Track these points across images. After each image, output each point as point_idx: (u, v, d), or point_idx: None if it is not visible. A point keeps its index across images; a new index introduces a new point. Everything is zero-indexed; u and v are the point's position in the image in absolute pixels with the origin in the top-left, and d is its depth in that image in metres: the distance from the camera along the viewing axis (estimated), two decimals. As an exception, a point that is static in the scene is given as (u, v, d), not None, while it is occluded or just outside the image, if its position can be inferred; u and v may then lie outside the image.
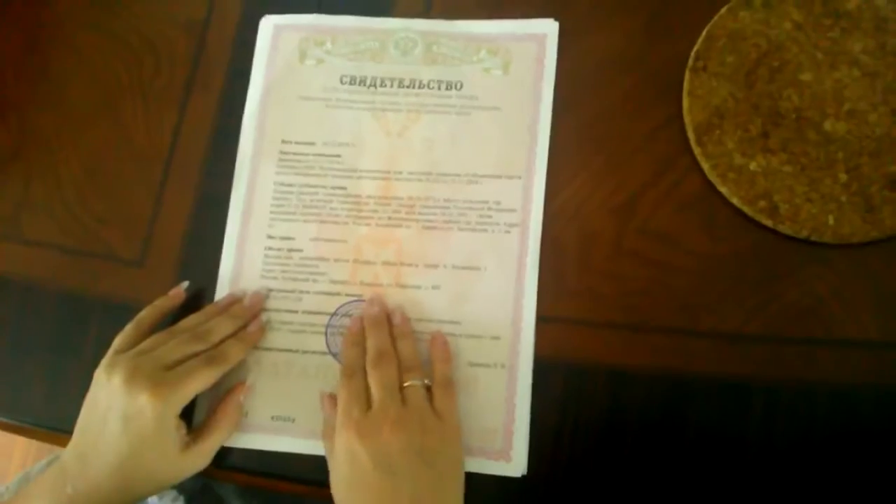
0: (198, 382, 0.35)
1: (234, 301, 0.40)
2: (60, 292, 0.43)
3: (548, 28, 0.43)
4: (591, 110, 0.42)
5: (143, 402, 0.33)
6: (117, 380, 0.34)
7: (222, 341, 0.38)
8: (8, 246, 0.44)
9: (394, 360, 0.36)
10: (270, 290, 0.41)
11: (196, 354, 0.36)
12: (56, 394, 0.42)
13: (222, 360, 0.37)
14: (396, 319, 0.39)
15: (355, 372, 0.36)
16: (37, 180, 0.45)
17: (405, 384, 0.36)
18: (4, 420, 0.42)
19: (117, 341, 0.37)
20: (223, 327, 0.38)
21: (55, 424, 0.41)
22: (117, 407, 0.34)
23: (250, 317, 0.39)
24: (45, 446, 0.42)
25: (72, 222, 0.44)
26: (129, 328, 0.38)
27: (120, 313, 0.40)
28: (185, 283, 0.41)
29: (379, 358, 0.36)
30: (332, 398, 0.37)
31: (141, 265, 0.43)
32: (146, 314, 0.39)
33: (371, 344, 0.37)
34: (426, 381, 0.36)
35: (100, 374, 0.36)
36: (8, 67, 0.48)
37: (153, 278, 0.42)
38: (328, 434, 0.37)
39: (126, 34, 0.47)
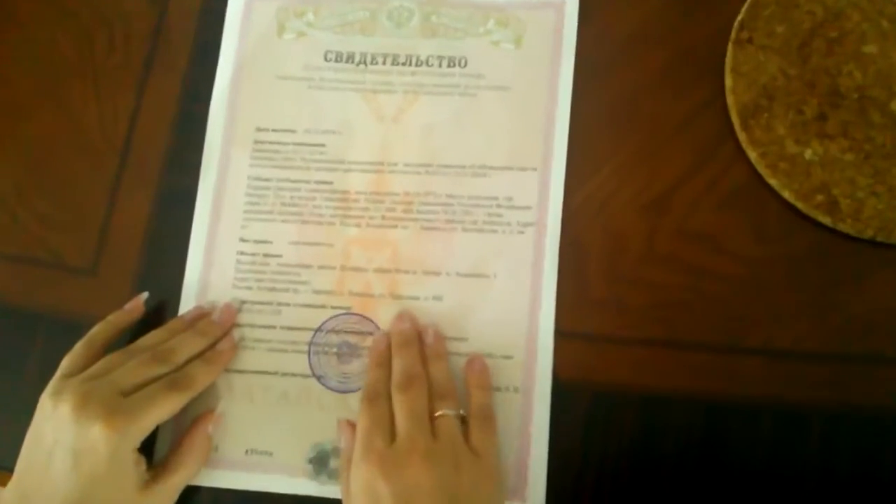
0: (160, 411, 0.33)
1: (201, 315, 0.38)
2: (1, 305, 0.40)
3: None
4: (618, 91, 0.39)
5: (96, 434, 0.31)
6: (66, 408, 0.32)
7: (188, 362, 0.35)
8: (-64, 252, 0.42)
9: (424, 384, 0.34)
10: (244, 302, 0.38)
11: (158, 378, 0.34)
12: None
13: (188, 385, 0.34)
14: (429, 338, 0.36)
15: (379, 396, 0.34)
16: None
17: (437, 414, 0.33)
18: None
19: (65, 363, 0.35)
20: (189, 346, 0.36)
21: None
22: (66, 440, 0.32)
23: (220, 334, 0.37)
24: None
25: (11, 224, 0.41)
26: (78, 347, 0.36)
27: (68, 330, 0.37)
28: (145, 295, 0.38)
29: (407, 382, 0.34)
30: (352, 426, 0.35)
31: (93, 274, 0.40)
32: (99, 331, 0.36)
33: (398, 365, 0.35)
34: (461, 412, 0.34)
35: (45, 402, 0.33)
36: (-60, 46, 0.45)
37: (107, 289, 0.39)
38: (344, 467, 0.35)
39: (75, 5, 0.44)
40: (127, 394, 0.33)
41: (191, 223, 0.39)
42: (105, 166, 0.41)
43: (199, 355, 0.36)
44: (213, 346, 0.37)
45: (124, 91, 0.42)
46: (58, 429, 0.32)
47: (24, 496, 0.32)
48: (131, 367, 0.34)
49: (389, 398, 0.34)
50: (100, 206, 0.41)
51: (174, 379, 0.34)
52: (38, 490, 0.32)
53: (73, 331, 0.36)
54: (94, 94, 0.42)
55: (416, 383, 0.34)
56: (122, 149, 0.41)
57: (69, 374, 0.34)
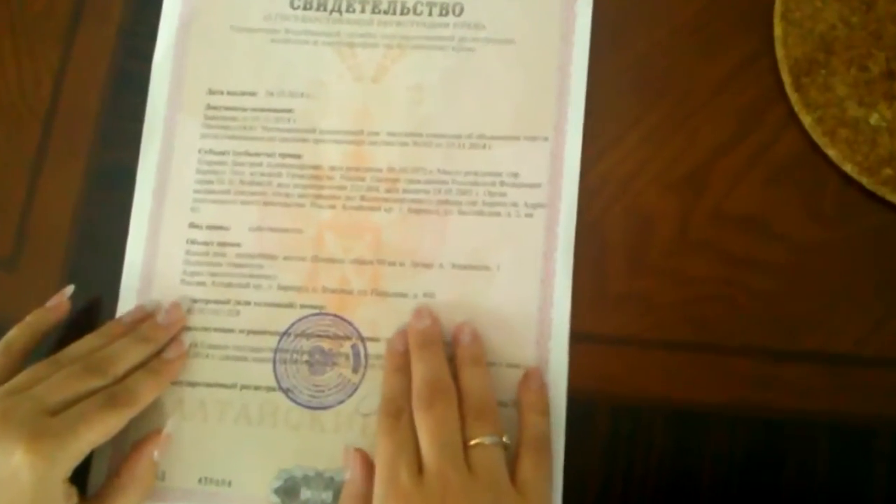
0: (94, 432, 0.31)
1: (143, 317, 0.35)
2: None
3: None
4: (645, 45, 0.37)
5: (18, 461, 0.29)
6: None
7: (128, 374, 0.33)
8: None
9: (453, 398, 0.31)
10: (195, 300, 0.36)
11: (92, 392, 0.32)
12: None
13: (128, 401, 0.32)
14: (465, 337, 0.34)
15: (402, 412, 0.31)
16: None
17: (473, 442, 0.30)
18: None
19: None
20: (129, 354, 0.33)
21: None
22: None
23: (166, 339, 0.35)
24: None
25: None
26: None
27: None
28: (70, 289, 0.36)
29: (431, 395, 0.31)
30: (364, 457, 0.33)
31: (12, 267, 0.37)
32: (16, 335, 0.34)
33: (419, 372, 0.32)
34: (504, 439, 0.31)
35: None
36: None
37: (30, 285, 0.37)
38: None
39: None
40: (55, 412, 0.30)
41: (128, 206, 0.37)
42: (25, 136, 0.38)
43: (142, 365, 0.34)
44: (158, 354, 0.35)
45: (48, 47, 0.39)
46: None
47: None
48: (59, 379, 0.31)
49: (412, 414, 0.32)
50: (19, 186, 0.38)
51: (112, 393, 0.32)
52: None
53: None
54: (12, 50, 0.40)
55: (442, 398, 0.31)
56: (45, 115, 0.39)
57: None
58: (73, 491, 0.30)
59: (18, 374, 0.32)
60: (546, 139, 0.36)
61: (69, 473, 0.30)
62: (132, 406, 0.32)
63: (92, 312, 0.36)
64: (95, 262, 0.36)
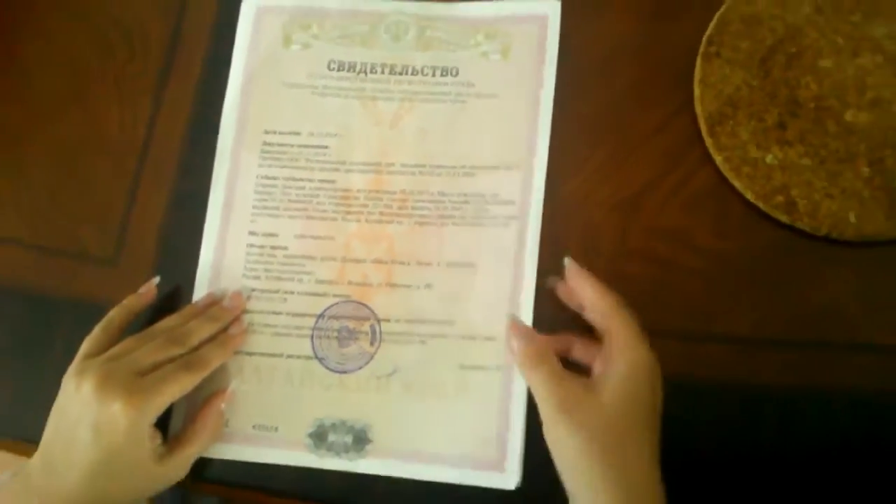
0: (174, 389, 0.34)
1: (213, 302, 0.39)
2: (27, 292, 0.41)
3: (549, 8, 0.42)
4: (596, 99, 0.41)
5: (116, 410, 0.32)
6: (87, 387, 0.33)
7: (201, 345, 0.37)
8: (-30, 243, 0.43)
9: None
10: (253, 290, 0.40)
11: (172, 359, 0.35)
12: (22, 401, 0.40)
13: (201, 366, 0.36)
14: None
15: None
16: (2, 174, 0.44)
17: None
18: (-34, 431, 0.40)
19: (86, 345, 0.36)
20: (202, 330, 0.37)
21: (21, 433, 0.40)
22: (88, 416, 0.33)
23: (230, 319, 0.38)
24: (9, 457, 0.40)
25: (40, 219, 0.43)
26: (97, 331, 0.37)
27: (91, 315, 0.38)
28: (156, 279, 0.40)
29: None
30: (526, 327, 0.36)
31: (114, 264, 0.42)
32: (115, 315, 0.38)
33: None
34: None
35: (68, 382, 0.34)
36: (-28, 55, 0.47)
37: (126, 277, 0.41)
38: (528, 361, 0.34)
39: (98, 18, 0.46)
40: (144, 374, 0.34)
41: (202, 218, 0.41)
42: (125, 166, 0.43)
43: (212, 339, 0.37)
44: (224, 330, 0.38)
45: (143, 98, 0.44)
46: (81, 406, 0.33)
47: (49, 465, 0.34)
48: (148, 349, 0.35)
49: None
50: (120, 203, 0.42)
51: (188, 360, 0.35)
52: (61, 460, 0.34)
53: (95, 316, 0.38)
54: (116, 100, 0.44)
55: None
56: (141, 149, 0.43)
57: (90, 356, 0.35)
58: (157, 433, 0.35)
59: (118, 345, 0.36)
60: (519, 168, 0.39)
61: (154, 420, 0.34)
62: (203, 370, 0.35)
63: (173, 298, 0.40)
64: (175, 261, 0.41)
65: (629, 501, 0.30)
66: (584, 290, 0.35)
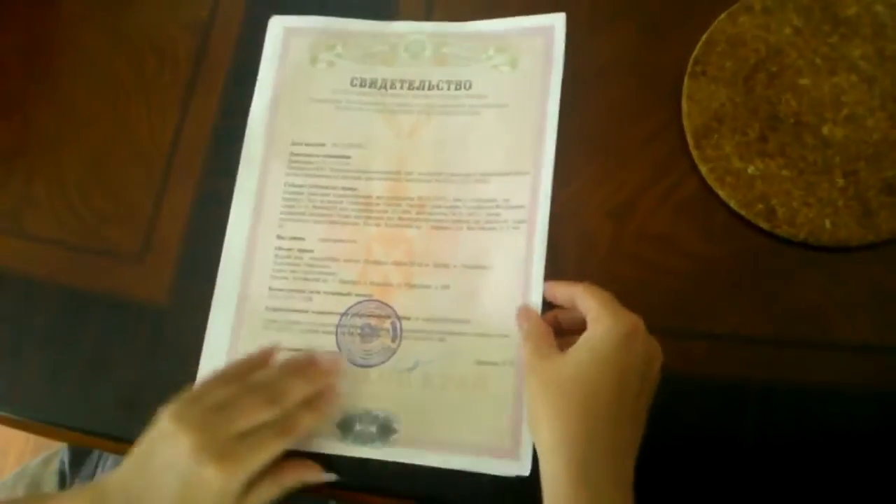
0: (266, 456, 0.34)
1: (311, 362, 0.39)
2: (60, 287, 0.43)
3: (555, 21, 0.44)
4: (594, 111, 0.43)
5: (210, 474, 0.32)
6: (185, 442, 0.33)
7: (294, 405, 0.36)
8: (9, 241, 0.45)
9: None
10: (280, 290, 0.42)
11: (266, 422, 0.35)
12: (55, 388, 0.42)
13: (294, 432, 0.35)
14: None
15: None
16: (39, 177, 0.46)
17: None
18: (3, 414, 0.42)
19: (195, 391, 0.36)
20: (298, 391, 0.36)
21: (54, 419, 0.42)
22: (180, 468, 0.33)
23: (323, 382, 0.38)
24: (43, 442, 0.42)
25: (73, 219, 0.45)
26: (212, 381, 0.37)
27: (118, 309, 0.41)
28: (272, 348, 0.39)
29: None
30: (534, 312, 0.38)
31: (141, 261, 0.44)
32: (232, 371, 0.37)
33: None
34: None
35: (167, 422, 0.34)
36: (13, 66, 0.49)
37: (152, 274, 0.43)
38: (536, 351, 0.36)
39: (130, 34, 0.49)
40: (242, 436, 0.34)
41: (224, 219, 0.43)
42: (154, 169, 0.45)
43: (304, 401, 0.36)
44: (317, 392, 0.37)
45: (171, 107, 0.46)
46: (174, 454, 0.33)
47: (127, 492, 0.34)
48: (247, 408, 0.34)
49: None
50: (148, 205, 0.44)
51: (283, 427, 0.35)
52: (142, 496, 0.34)
53: (123, 310, 0.41)
54: (146, 110, 0.46)
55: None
56: (168, 155, 0.45)
57: (195, 400, 0.35)
58: (244, 495, 0.33)
59: (216, 390, 0.35)
60: (528, 173, 0.41)
61: (244, 483, 0.33)
62: (295, 436, 0.35)
63: (196, 294, 0.42)
64: (197, 258, 0.43)
65: (586, 455, 0.31)
66: (556, 294, 0.38)
